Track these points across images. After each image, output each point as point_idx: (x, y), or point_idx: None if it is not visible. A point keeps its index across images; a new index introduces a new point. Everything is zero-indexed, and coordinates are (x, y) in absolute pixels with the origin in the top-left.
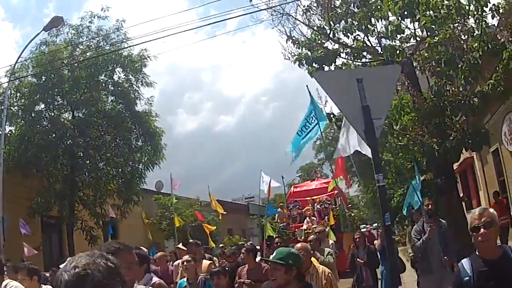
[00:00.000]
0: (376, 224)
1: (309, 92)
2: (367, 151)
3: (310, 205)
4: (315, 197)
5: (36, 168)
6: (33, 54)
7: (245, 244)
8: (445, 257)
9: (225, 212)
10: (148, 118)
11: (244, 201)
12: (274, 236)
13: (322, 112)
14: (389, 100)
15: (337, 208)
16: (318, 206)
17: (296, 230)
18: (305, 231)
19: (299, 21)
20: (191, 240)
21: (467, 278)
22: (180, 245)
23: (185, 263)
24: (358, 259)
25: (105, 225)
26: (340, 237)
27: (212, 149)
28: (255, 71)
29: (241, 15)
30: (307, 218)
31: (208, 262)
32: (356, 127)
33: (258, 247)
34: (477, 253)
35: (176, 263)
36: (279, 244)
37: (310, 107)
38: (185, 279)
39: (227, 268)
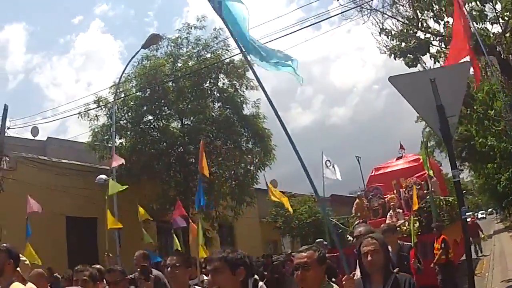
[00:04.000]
0: (490, 210)
1: None
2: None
3: (394, 191)
4: (402, 180)
5: (149, 176)
6: (135, 69)
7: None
8: None
9: (290, 209)
10: (256, 121)
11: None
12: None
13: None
14: (461, 97)
15: (426, 195)
16: (405, 193)
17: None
18: None
19: (387, 15)
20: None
21: None
22: None
23: None
24: None
25: (221, 228)
26: (425, 240)
27: (327, 143)
28: (364, 60)
29: (333, 15)
30: (391, 211)
31: None
32: (432, 126)
33: None
34: None
35: None
36: None
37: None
38: None
39: None
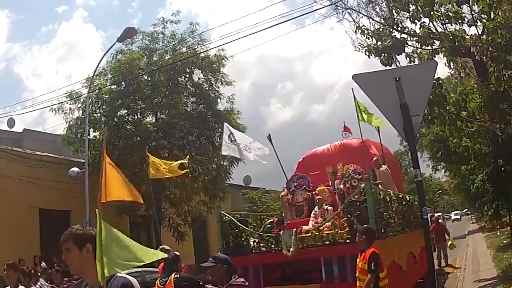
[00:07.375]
0: (466, 210)
1: None
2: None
3: (329, 182)
4: (340, 167)
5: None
6: (110, 63)
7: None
8: None
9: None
10: (230, 116)
11: None
12: None
13: None
14: (427, 96)
15: (361, 185)
16: (341, 186)
17: (282, 232)
18: (301, 235)
19: (362, 14)
20: None
21: None
22: None
23: None
24: None
25: (194, 222)
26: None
27: (305, 140)
28: (346, 57)
29: (308, 12)
30: (316, 207)
31: None
32: (395, 125)
33: None
34: None
35: None
36: None
37: None
38: None
39: None
